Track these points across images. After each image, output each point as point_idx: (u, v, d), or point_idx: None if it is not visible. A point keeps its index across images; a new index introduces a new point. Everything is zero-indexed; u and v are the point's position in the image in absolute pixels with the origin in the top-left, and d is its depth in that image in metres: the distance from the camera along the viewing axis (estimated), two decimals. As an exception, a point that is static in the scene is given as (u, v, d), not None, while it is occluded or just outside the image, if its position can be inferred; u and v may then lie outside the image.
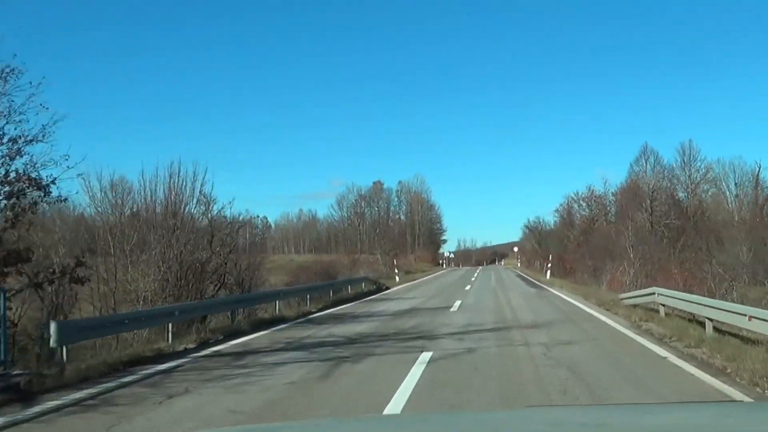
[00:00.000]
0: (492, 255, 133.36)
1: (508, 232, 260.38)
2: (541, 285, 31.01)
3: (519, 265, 70.41)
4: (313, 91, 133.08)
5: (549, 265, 35.52)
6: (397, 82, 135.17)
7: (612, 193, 62.86)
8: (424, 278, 41.13)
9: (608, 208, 64.64)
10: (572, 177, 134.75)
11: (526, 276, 41.28)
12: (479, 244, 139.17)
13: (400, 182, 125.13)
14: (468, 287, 28.69)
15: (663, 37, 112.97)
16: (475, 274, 44.83)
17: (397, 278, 35.30)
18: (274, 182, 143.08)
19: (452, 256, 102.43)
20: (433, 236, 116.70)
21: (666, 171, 56.25)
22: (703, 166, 51.05)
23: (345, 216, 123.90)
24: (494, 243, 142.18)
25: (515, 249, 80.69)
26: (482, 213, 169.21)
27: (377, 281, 30.47)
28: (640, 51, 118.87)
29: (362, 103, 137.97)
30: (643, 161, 58.39)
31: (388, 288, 29.24)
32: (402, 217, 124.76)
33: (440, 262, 74.62)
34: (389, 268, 54.48)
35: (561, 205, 65.92)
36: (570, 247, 50.04)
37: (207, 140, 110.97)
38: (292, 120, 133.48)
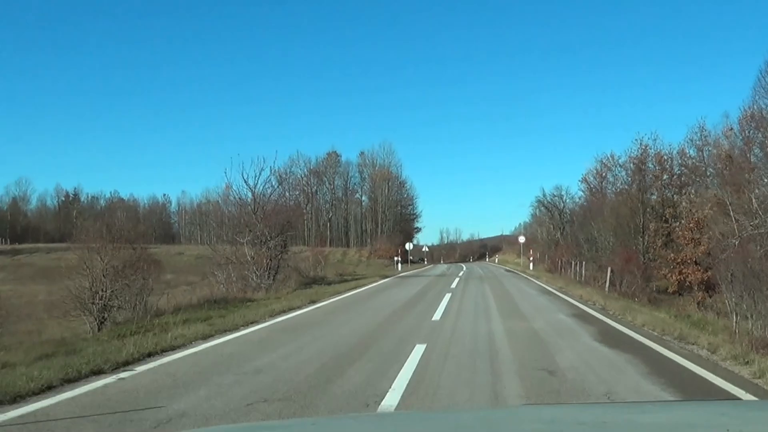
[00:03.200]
0: (480, 249, 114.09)
1: (498, 224, 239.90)
2: None
3: (532, 266, 40.85)
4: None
5: None
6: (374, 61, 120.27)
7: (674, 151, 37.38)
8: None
9: (668, 172, 36.86)
10: (569, 171, 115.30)
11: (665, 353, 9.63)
12: (465, 236, 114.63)
13: (362, 153, 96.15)
14: None
15: (654, 31, 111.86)
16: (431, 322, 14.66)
17: None
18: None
19: (426, 249, 73.45)
20: (403, 223, 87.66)
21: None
22: None
23: (288, 195, 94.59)
24: (483, 236, 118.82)
25: (521, 239, 51.36)
26: (469, 202, 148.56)
27: None
28: (634, 45, 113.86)
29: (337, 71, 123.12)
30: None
31: None
32: (364, 198, 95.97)
33: (397, 259, 44.16)
34: (268, 279, 25.68)
35: (590, 171, 40.66)
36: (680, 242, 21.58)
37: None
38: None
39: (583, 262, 27.22)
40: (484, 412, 3.66)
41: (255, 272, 25.19)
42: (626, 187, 44.42)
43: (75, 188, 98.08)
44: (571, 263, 29.96)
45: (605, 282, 25.10)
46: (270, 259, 25.95)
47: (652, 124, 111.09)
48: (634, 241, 30.39)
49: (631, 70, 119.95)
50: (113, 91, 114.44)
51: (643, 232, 30.55)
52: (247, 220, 26.83)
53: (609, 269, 22.44)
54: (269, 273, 25.60)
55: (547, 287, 22.55)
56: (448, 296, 17.48)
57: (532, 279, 28.70)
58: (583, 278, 26.36)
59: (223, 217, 28.65)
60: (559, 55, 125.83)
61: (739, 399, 5.56)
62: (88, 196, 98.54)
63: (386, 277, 30.67)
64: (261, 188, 26.69)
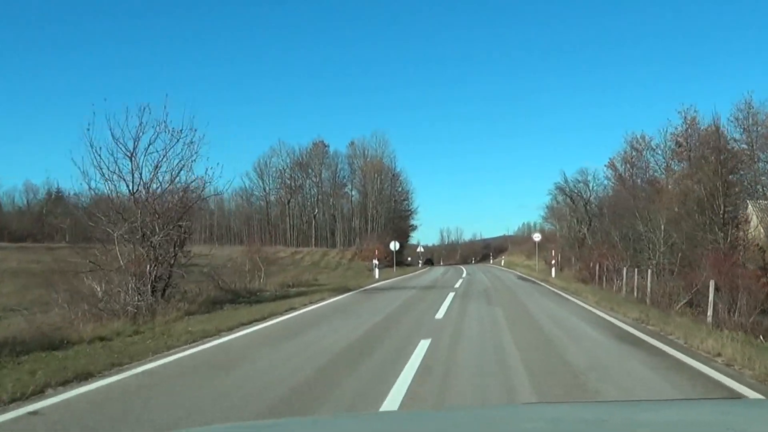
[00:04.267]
0: (483, 249, 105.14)
1: (501, 224, 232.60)
2: None
3: (554, 273, 30.82)
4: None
5: None
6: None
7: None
8: None
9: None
10: (569, 170, 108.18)
11: None
12: (467, 236, 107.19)
13: (352, 143, 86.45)
14: None
15: (654, 31, 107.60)
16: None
17: None
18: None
19: (422, 250, 63.97)
20: (396, 220, 78.07)
21: None
22: None
23: (270, 189, 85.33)
24: (486, 236, 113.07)
25: (536, 236, 41.25)
26: (470, 202, 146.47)
27: None
28: (634, 45, 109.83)
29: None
30: None
31: None
32: (354, 193, 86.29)
33: (375, 262, 33.64)
34: (151, 295, 16.19)
35: (620, 153, 35.65)
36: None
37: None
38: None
39: (649, 270, 17.48)
40: (484, 410, 3.48)
41: (130, 284, 15.61)
42: (654, 175, 36.71)
43: (57, 185, 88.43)
44: (622, 271, 20.21)
45: (688, 303, 15.48)
46: (155, 264, 16.35)
47: (651, 124, 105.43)
48: (711, 238, 20.80)
49: (631, 70, 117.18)
50: (114, 91, 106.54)
51: (724, 225, 20.95)
52: (123, 203, 17.16)
53: (712, 285, 12.75)
54: (152, 286, 16.04)
55: (610, 319, 12.66)
56: (421, 351, 7.90)
57: (568, 296, 18.74)
58: (648, 295, 16.66)
59: (95, 202, 18.66)
60: (559, 55, 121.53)
61: (741, 398, 5.48)
62: (70, 193, 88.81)
63: (348, 290, 20.82)
64: (143, 155, 16.82)
